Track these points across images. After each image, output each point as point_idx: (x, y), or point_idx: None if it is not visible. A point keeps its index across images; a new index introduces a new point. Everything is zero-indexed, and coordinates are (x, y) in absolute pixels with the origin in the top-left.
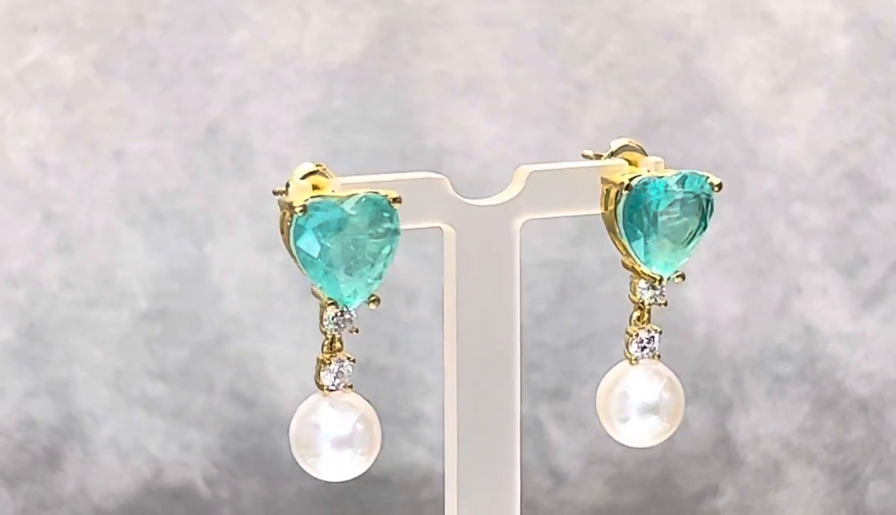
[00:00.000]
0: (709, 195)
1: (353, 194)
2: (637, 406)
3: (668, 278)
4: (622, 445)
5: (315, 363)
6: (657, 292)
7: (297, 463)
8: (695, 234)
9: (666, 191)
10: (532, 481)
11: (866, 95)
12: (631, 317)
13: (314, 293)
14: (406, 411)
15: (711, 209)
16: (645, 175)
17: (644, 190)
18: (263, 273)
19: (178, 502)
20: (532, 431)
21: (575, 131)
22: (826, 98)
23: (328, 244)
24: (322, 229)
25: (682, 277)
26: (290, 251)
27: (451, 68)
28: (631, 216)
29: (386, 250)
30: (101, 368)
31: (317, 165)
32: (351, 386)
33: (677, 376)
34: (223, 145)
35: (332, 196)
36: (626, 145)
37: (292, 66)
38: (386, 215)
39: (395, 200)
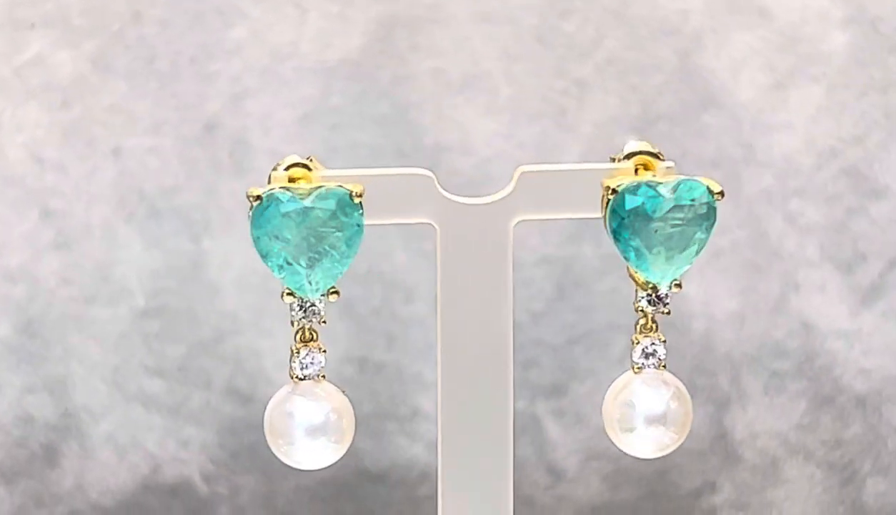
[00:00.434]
0: (708, 203)
1: (318, 187)
2: (643, 416)
3: (668, 286)
4: (628, 455)
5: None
6: (660, 303)
7: None
8: (694, 242)
9: (657, 198)
10: (530, 477)
11: (864, 91)
12: (636, 324)
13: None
14: (404, 408)
15: (713, 218)
16: (635, 181)
17: (632, 196)
18: (261, 270)
19: (175, 498)
20: (530, 427)
21: (573, 128)
22: (824, 94)
23: (288, 236)
24: (281, 220)
25: (679, 286)
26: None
27: (448, 65)
28: (617, 222)
29: (348, 244)
30: (98, 364)
31: (307, 159)
32: (324, 376)
33: (675, 372)
34: (221, 142)
35: (296, 188)
36: (639, 151)
37: (290, 62)
38: (348, 208)
39: (358, 194)
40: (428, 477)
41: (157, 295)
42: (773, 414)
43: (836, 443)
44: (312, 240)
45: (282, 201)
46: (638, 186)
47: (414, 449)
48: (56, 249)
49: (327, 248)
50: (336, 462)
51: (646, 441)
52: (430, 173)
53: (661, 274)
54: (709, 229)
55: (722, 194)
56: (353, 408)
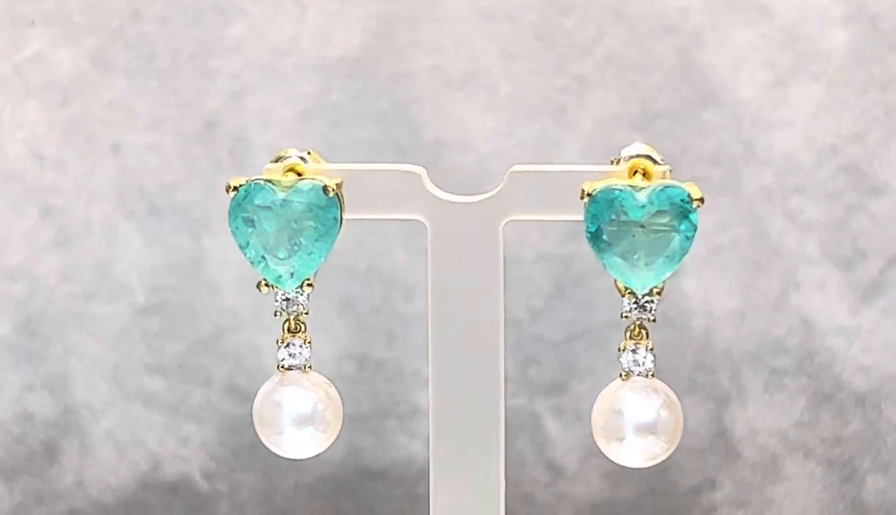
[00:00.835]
0: (687, 209)
1: (298, 180)
2: (633, 425)
3: (650, 293)
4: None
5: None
6: (645, 311)
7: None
8: (674, 249)
9: (632, 203)
10: (530, 475)
11: (864, 88)
12: (625, 330)
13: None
14: (403, 405)
15: (693, 224)
16: (612, 185)
17: (607, 200)
18: None
19: (175, 496)
20: (529, 425)
21: (573, 125)
22: (824, 92)
23: (266, 227)
24: (257, 211)
25: (660, 293)
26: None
27: (448, 62)
28: (594, 227)
29: (324, 237)
30: (98, 362)
31: (307, 152)
32: (311, 367)
33: (674, 370)
34: (221, 139)
35: (277, 180)
36: (636, 154)
37: (289, 59)
38: (325, 202)
39: (336, 187)
40: (427, 475)
41: (156, 292)
42: (772, 412)
43: (836, 440)
44: (289, 232)
45: (259, 193)
46: (613, 191)
47: (413, 447)
48: (56, 246)
49: (303, 240)
50: (336, 461)
51: (634, 451)
52: (420, 170)
53: (641, 281)
54: (689, 236)
55: (702, 200)
56: (342, 400)
